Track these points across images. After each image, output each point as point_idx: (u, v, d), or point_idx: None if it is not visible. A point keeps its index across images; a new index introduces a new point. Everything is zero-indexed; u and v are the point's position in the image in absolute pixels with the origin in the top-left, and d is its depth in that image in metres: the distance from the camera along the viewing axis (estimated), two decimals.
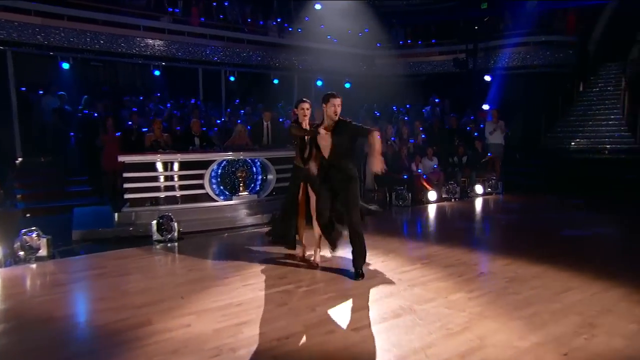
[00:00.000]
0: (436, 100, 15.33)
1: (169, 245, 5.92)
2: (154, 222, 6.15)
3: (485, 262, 4.94)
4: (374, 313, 3.58)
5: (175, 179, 7.03)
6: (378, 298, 3.91)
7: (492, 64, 15.70)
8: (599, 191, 10.30)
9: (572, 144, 14.91)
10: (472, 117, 13.49)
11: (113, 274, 4.68)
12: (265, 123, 8.41)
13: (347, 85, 16.22)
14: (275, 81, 15.16)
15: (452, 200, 9.67)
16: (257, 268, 4.84)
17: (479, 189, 10.26)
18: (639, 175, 11.07)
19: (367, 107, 14.05)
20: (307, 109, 4.87)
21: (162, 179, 6.95)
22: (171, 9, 13.41)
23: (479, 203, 9.52)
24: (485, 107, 14.49)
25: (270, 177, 7.76)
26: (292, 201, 4.95)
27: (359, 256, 4.41)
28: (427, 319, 3.43)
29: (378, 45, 17.03)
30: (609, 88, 15.65)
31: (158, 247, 5.86)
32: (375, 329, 3.29)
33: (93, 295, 4.22)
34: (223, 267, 4.89)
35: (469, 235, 6.63)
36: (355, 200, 4.33)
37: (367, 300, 3.86)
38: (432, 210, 8.71)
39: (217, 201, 7.21)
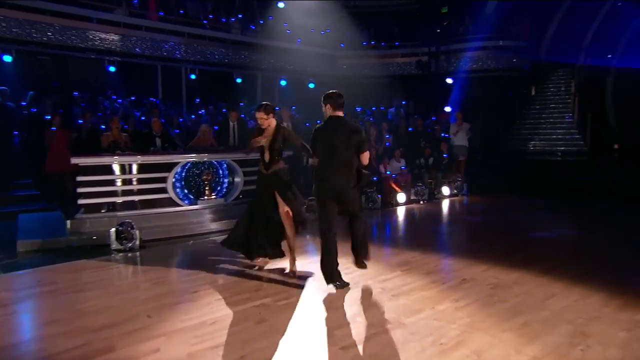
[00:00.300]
0: (402, 102, 15.44)
1: (129, 255, 5.46)
2: (113, 229, 5.67)
3: (464, 268, 4.84)
4: (360, 328, 3.36)
5: (135, 182, 6.53)
6: (363, 310, 3.70)
7: (453, 66, 15.95)
8: (557, 192, 10.64)
9: (529, 146, 15.44)
10: (434, 119, 13.61)
11: (66, 291, 4.20)
12: (231, 123, 8.04)
13: (311, 86, 16.01)
14: (238, 80, 14.72)
15: (421, 202, 9.64)
16: (229, 279, 4.51)
17: (445, 190, 10.31)
18: (593, 177, 11.57)
19: None
20: (260, 119, 4.56)
21: (120, 182, 6.44)
22: (127, 1, 12.69)
23: (447, 205, 9.54)
24: (447, 109, 14.70)
25: (237, 179, 7.40)
26: (253, 208, 4.78)
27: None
28: (418, 333, 3.24)
29: (342, 45, 16.95)
30: (560, 92, 16.33)
31: (118, 257, 5.38)
32: (365, 346, 3.07)
33: (43, 317, 3.74)
34: (192, 279, 4.52)
35: (443, 240, 6.57)
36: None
37: (352, 313, 3.63)
38: (402, 212, 8.63)
39: (181, 206, 6.78)
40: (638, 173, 10.66)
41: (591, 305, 3.78)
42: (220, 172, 7.38)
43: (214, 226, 6.81)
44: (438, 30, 15.74)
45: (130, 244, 5.64)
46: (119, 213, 6.30)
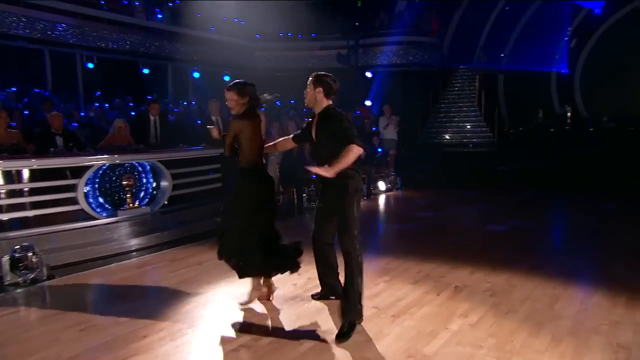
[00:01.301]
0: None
1: (33, 290, 4.15)
2: (6, 257, 4.31)
3: (447, 272, 4.40)
4: None
5: (32, 193, 5.10)
6: (371, 343, 3.01)
7: (372, 60, 15.89)
8: (483, 183, 10.91)
9: (444, 138, 15.99)
10: (358, 113, 13.37)
11: None
12: (152, 117, 6.82)
13: (227, 78, 14.83)
14: (145, 71, 13.07)
15: (394, 191, 9.29)
16: (181, 313, 3.54)
17: (381, 185, 10.03)
18: (511, 166, 12.16)
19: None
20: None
21: (6, 194, 4.98)
22: None
23: (387, 201, 9.24)
24: (368, 103, 14.56)
25: (164, 184, 6.26)
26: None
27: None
28: None
29: (257, 36, 16.01)
30: (465, 88, 17.17)
31: (17, 294, 4.06)
32: None
33: None
34: (131, 318, 3.45)
35: (405, 240, 6.13)
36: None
37: (359, 349, 2.93)
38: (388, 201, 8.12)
39: (97, 219, 5.48)
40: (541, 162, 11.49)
41: (601, 307, 3.52)
42: (144, 176, 6.18)
43: (138, 242, 5.63)
44: (357, 24, 15.55)
45: (32, 275, 4.32)
46: (12, 234, 4.85)
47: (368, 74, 15.55)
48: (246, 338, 3.09)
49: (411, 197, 9.66)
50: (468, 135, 15.98)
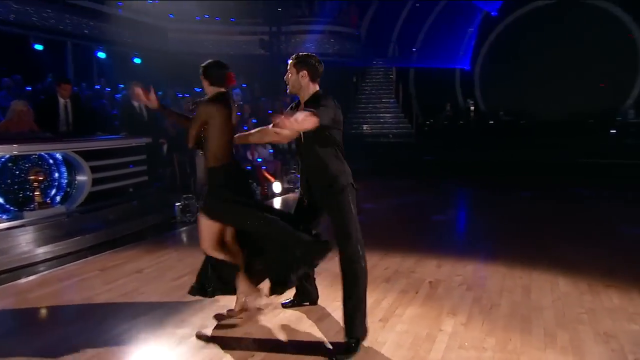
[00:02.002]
0: (242, 85, 14.26)
1: None
2: None
3: (415, 266, 4.25)
4: None
5: None
6: (370, 354, 2.70)
7: (296, 48, 15.48)
8: (407, 172, 11.11)
9: (364, 129, 16.25)
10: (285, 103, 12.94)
11: None
12: (62, 101, 5.78)
13: (137, 61, 13.47)
14: (38, 47, 11.29)
15: (296, 191, 8.87)
16: (133, 337, 2.92)
17: None
18: (435, 156, 12.63)
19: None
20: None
21: None
22: None
23: None
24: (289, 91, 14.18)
25: (82, 178, 5.36)
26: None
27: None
28: None
29: (171, 16, 14.74)
30: (383, 80, 17.63)
31: None
32: None
33: None
34: (62, 356, 2.74)
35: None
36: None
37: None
38: (287, 204, 7.70)
39: None
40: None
41: (571, 295, 3.57)
42: (55, 169, 5.20)
43: (53, 249, 4.72)
44: (279, 9, 15.04)
45: None
46: None
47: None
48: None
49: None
50: (387, 126, 16.42)
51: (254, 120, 10.08)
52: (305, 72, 2.85)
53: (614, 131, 14.31)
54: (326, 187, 2.82)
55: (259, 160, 8.75)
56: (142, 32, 13.55)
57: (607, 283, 3.75)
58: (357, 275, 2.74)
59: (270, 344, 2.83)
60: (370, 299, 3.44)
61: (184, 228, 5.89)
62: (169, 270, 4.23)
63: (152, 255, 4.65)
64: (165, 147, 7.58)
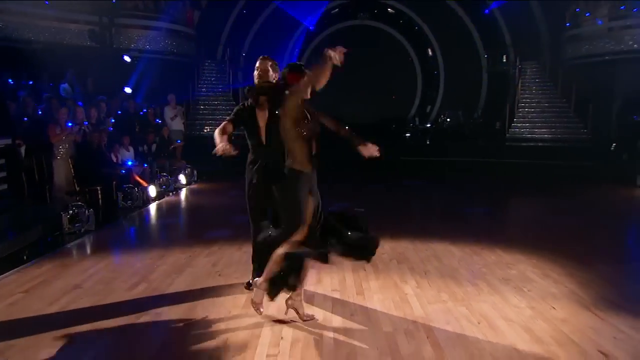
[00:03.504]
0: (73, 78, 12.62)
1: None
2: None
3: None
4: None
5: None
6: (368, 314, 3.26)
7: (131, 44, 14.43)
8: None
9: (206, 131, 16.17)
10: (138, 101, 12.10)
11: None
12: None
13: None
14: None
15: (171, 194, 8.57)
16: None
17: (182, 179, 9.52)
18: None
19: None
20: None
21: None
22: None
23: (197, 194, 8.91)
24: (128, 90, 13.26)
25: None
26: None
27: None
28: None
29: None
30: (220, 80, 17.80)
31: None
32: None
33: None
34: None
35: None
36: None
37: (369, 323, 3.15)
38: (175, 209, 7.48)
39: None
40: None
41: (466, 257, 4.77)
42: None
43: None
44: (113, 1, 13.81)
45: None
46: None
47: (127, 58, 14.05)
48: None
49: (220, 190, 9.51)
50: None
51: (111, 120, 9.26)
52: (276, 74, 3.49)
53: (409, 134, 17.80)
54: (283, 172, 3.12)
55: (130, 163, 8.14)
56: None
57: (479, 246, 5.09)
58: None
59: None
60: (337, 278, 4.03)
61: (83, 237, 5.31)
62: (115, 279, 3.93)
63: (77, 269, 4.19)
64: (23, 150, 6.48)
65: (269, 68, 3.49)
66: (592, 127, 14.27)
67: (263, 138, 3.49)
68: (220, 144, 3.16)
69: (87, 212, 5.65)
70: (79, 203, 5.73)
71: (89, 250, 5.09)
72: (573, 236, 5.67)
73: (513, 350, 2.82)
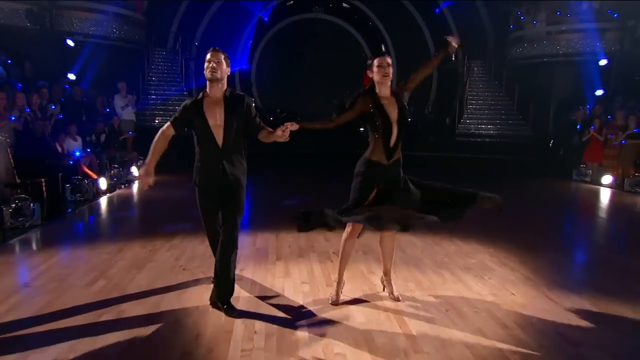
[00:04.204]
0: (8, 61, 11.70)
1: None
2: None
3: (310, 242, 4.90)
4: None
5: None
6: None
7: (75, 27, 13.56)
8: None
9: (156, 122, 15.58)
10: (84, 87, 11.44)
11: None
12: None
13: None
14: None
15: (123, 186, 8.17)
16: None
17: (135, 171, 9.11)
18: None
19: None
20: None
21: None
22: None
23: (154, 186, 8.51)
24: (71, 76, 12.52)
25: None
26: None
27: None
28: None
29: None
30: (171, 70, 17.22)
31: None
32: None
33: None
34: None
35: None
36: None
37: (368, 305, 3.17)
38: (129, 202, 7.13)
39: None
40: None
41: (428, 247, 4.91)
42: None
43: None
44: None
45: None
46: None
47: (70, 42, 13.21)
48: None
49: (172, 181, 9.18)
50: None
51: (52, 106, 8.68)
52: (229, 69, 3.25)
53: (362, 129, 18.02)
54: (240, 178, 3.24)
55: (77, 153, 7.68)
56: None
57: (439, 237, 5.25)
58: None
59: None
60: (305, 270, 4.02)
61: (29, 232, 4.95)
62: (69, 276, 3.69)
63: (24, 266, 3.89)
64: None
65: (223, 61, 3.15)
66: (532, 124, 15.14)
67: (219, 141, 3.16)
68: (142, 176, 3.24)
69: (31, 205, 5.26)
70: (22, 195, 5.32)
71: (36, 246, 4.76)
72: (522, 226, 5.99)
73: (481, 336, 2.93)
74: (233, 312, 3.14)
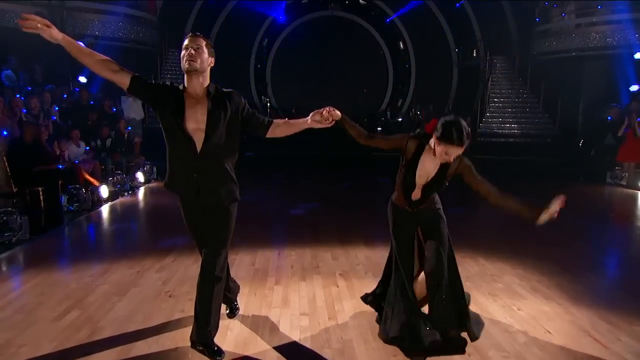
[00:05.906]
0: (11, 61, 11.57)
1: None
2: None
3: (313, 256, 4.43)
4: None
5: None
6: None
7: (86, 29, 13.41)
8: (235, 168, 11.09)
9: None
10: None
11: None
12: None
13: None
14: None
15: (126, 194, 7.83)
16: None
17: (141, 176, 8.79)
18: (255, 152, 12.84)
19: None
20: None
21: None
22: None
23: (159, 193, 8.23)
24: (82, 79, 12.34)
25: None
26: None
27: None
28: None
29: None
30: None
31: None
32: None
33: None
34: None
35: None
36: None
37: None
38: (129, 211, 6.78)
39: None
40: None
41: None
42: None
43: None
44: None
45: None
46: None
47: (81, 44, 13.00)
48: None
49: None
50: None
51: (55, 107, 8.43)
52: (213, 60, 2.65)
53: (380, 129, 17.43)
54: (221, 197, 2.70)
55: (76, 161, 7.37)
56: None
57: (459, 255, 4.66)
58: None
59: None
60: (306, 297, 3.55)
61: (14, 249, 4.61)
62: (40, 306, 3.29)
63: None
64: None
65: (204, 48, 2.57)
66: (560, 122, 14.30)
67: (198, 146, 2.59)
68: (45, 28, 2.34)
69: (18, 218, 4.91)
70: (9, 209, 4.97)
71: (14, 268, 4.38)
72: (553, 240, 5.34)
73: None
74: (217, 356, 2.67)
